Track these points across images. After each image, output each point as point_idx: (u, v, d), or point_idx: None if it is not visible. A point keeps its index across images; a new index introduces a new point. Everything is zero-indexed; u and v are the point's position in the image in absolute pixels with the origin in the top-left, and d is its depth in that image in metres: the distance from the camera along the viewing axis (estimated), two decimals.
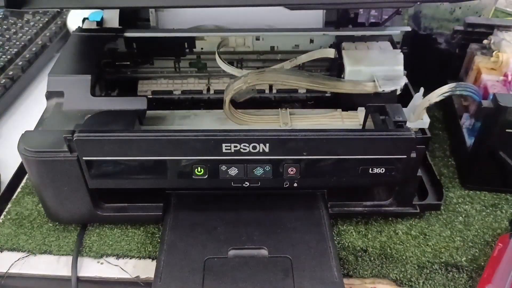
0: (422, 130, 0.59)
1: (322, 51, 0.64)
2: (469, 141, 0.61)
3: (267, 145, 0.47)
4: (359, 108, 0.61)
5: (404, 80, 0.59)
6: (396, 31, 0.65)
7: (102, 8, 0.68)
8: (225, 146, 0.47)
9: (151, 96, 0.68)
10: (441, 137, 0.69)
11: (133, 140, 0.47)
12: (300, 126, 0.59)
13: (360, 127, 0.58)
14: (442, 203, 0.56)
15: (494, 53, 0.62)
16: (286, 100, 0.67)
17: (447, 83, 0.71)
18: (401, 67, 0.59)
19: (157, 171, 0.49)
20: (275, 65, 0.64)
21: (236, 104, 0.59)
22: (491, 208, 0.58)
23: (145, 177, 0.50)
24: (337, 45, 0.64)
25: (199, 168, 0.50)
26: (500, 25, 0.65)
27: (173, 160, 0.48)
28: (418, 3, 0.66)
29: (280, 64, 0.64)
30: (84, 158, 0.48)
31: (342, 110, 0.62)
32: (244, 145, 0.47)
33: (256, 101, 0.64)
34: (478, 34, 0.66)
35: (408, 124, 0.57)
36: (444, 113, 0.72)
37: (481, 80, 0.61)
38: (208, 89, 0.68)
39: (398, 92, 0.58)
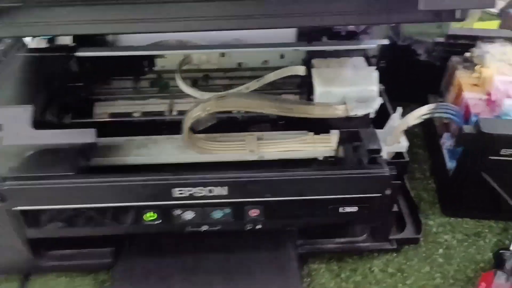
0: (399, 154, 0.55)
1: (291, 69, 0.59)
2: (450, 164, 0.56)
3: (226, 188, 0.43)
4: (332, 131, 0.56)
5: (378, 102, 0.54)
6: (373, 45, 0.60)
7: (58, 35, 0.62)
8: (178, 190, 0.43)
9: (108, 119, 0.62)
10: (420, 156, 0.65)
11: (71, 188, 0.42)
12: (268, 154, 0.54)
13: (334, 153, 0.54)
14: (420, 237, 0.52)
15: (476, 68, 0.58)
16: (255, 119, 0.62)
17: (427, 98, 0.68)
18: (375, 87, 0.54)
19: (101, 218, 0.44)
20: (240, 86, 0.59)
21: None
22: (473, 237, 0.54)
23: (89, 225, 0.45)
24: (307, 61, 0.59)
25: (150, 213, 0.45)
26: (483, 37, 0.60)
27: (119, 206, 0.44)
28: (394, 24, 0.62)
29: (245, 85, 0.59)
30: (18, 208, 0.42)
31: (315, 133, 0.57)
32: (199, 189, 0.43)
33: (222, 122, 0.59)
34: (460, 46, 0.61)
35: (385, 148, 0.53)
36: (424, 129, 0.68)
37: (462, 98, 0.57)
38: (171, 110, 0.63)
39: (372, 116, 0.54)
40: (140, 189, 0.42)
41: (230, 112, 0.61)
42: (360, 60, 0.58)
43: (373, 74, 0.55)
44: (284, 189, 0.43)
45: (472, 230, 0.55)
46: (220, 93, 0.56)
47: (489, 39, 0.60)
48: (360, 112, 0.53)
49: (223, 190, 0.43)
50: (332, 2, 0.41)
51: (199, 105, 0.52)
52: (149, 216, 0.45)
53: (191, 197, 0.43)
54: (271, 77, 0.59)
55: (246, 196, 0.44)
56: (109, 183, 0.42)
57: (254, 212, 0.45)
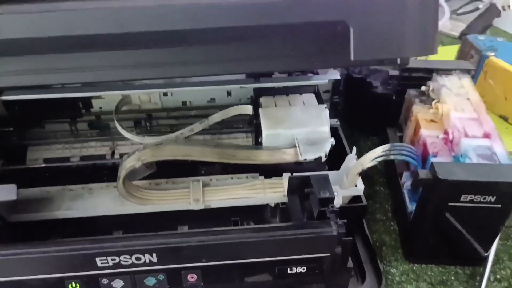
0: (357, 198, 0.52)
1: (238, 108, 0.55)
2: (411, 206, 0.53)
3: (154, 255, 0.38)
4: (284, 174, 0.52)
5: (329, 144, 0.50)
6: (323, 80, 0.56)
7: None
8: (100, 260, 0.37)
9: (43, 165, 0.57)
10: (382, 194, 0.61)
11: None
12: (214, 202, 0.50)
13: (285, 199, 0.50)
14: None
15: (433, 104, 0.54)
16: (203, 161, 0.58)
17: (386, 131, 0.65)
18: (326, 128, 0.51)
19: None
20: (183, 129, 0.54)
21: None
22: (438, 287, 0.50)
23: None
24: (255, 99, 0.55)
25: (73, 284, 0.39)
26: (439, 69, 0.57)
27: (35, 279, 0.38)
28: (356, 67, 0.59)
29: (189, 127, 0.54)
30: None
31: (266, 176, 0.53)
32: (124, 257, 0.38)
33: (167, 164, 0.54)
34: (416, 79, 0.58)
35: (341, 192, 0.49)
36: (385, 166, 0.64)
37: (420, 135, 0.53)
38: (113, 153, 0.58)
39: (324, 159, 0.50)
40: (57, 261, 0.37)
41: None
42: (311, 97, 0.55)
43: (324, 113, 0.52)
44: (221, 253, 0.38)
45: (437, 278, 0.51)
46: (156, 140, 0.52)
47: (445, 71, 0.57)
48: (310, 156, 0.49)
49: (152, 257, 0.38)
50: (270, 48, 0.37)
51: (133, 154, 0.47)
52: (73, 286, 0.39)
53: (117, 265, 0.38)
54: (216, 117, 0.55)
55: (179, 262, 0.39)
56: (17, 256, 0.36)
57: (192, 277, 0.40)
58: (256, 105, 0.54)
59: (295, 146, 0.50)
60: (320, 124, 0.51)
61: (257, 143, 0.53)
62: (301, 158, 0.48)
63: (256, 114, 0.52)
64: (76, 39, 0.36)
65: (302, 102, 0.54)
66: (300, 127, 0.50)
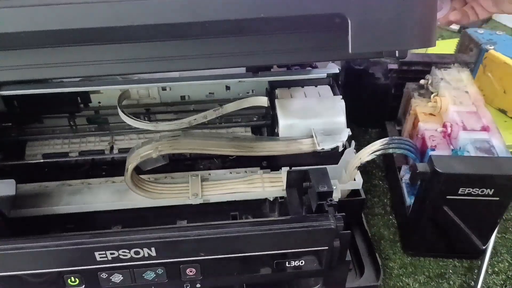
0: (355, 192, 0.52)
1: (253, 100, 0.54)
2: (409, 200, 0.53)
3: (153, 249, 0.38)
4: (283, 168, 0.52)
5: (346, 134, 0.50)
6: (322, 74, 0.56)
7: None
8: (99, 254, 0.37)
9: (42, 160, 0.57)
10: (381, 188, 0.61)
11: None
12: (212, 196, 0.50)
13: (284, 193, 0.50)
14: (379, 284, 0.48)
15: (432, 97, 0.54)
16: (203, 155, 0.58)
17: (385, 125, 0.65)
18: (343, 119, 0.50)
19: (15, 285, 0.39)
20: (194, 116, 0.53)
21: None
22: (436, 280, 0.50)
23: None
24: (270, 91, 0.55)
25: (72, 278, 0.39)
26: (438, 62, 0.57)
27: (34, 274, 0.38)
28: (354, 60, 0.58)
29: (202, 114, 0.53)
30: None
31: (271, 169, 0.53)
32: (123, 252, 0.38)
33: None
34: (415, 72, 0.58)
35: (339, 186, 0.49)
36: (384, 160, 0.64)
37: (418, 129, 0.53)
38: (112, 148, 0.58)
39: (341, 149, 0.50)
40: (56, 255, 0.37)
41: None
42: (326, 89, 0.55)
43: (339, 104, 0.52)
44: (219, 247, 0.39)
45: (435, 271, 0.51)
46: (170, 126, 0.51)
47: (444, 65, 0.57)
48: (327, 146, 0.48)
49: (151, 251, 0.38)
50: (267, 41, 0.37)
51: (149, 143, 0.47)
52: (72, 281, 0.40)
53: (116, 259, 0.38)
54: (231, 107, 0.54)
55: (178, 256, 0.39)
56: (17, 250, 0.36)
57: (190, 271, 0.40)
58: (271, 98, 0.54)
59: (312, 137, 0.49)
60: (336, 115, 0.50)
61: (273, 134, 0.54)
62: (318, 148, 0.48)
63: (272, 105, 0.52)
64: (74, 32, 0.36)
65: (318, 94, 0.54)
66: (317, 117, 0.50)
